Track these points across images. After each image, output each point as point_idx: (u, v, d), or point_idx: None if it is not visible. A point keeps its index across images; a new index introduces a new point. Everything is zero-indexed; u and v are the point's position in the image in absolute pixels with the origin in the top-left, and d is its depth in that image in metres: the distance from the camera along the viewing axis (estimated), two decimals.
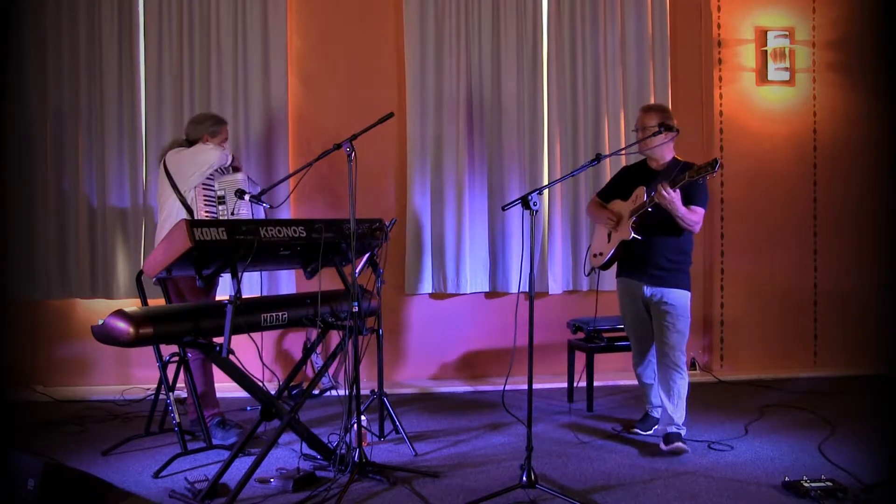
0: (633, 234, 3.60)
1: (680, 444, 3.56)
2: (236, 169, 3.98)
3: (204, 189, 3.76)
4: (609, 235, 3.83)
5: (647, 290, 3.70)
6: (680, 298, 3.65)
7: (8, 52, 4.81)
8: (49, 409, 4.51)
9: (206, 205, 3.74)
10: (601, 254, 3.86)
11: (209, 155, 3.77)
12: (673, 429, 3.63)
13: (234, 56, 4.95)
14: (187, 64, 4.93)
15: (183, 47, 4.92)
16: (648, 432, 3.91)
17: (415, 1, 5.08)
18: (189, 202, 3.72)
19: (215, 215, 3.76)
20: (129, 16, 4.89)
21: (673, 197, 3.39)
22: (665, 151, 3.73)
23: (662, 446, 3.62)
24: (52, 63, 4.85)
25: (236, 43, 4.96)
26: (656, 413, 3.96)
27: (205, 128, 3.89)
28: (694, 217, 3.52)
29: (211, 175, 3.78)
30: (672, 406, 3.63)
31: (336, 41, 5.15)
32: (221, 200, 3.77)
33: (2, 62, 4.80)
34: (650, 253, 3.66)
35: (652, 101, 5.18)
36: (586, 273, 4.12)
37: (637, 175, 3.80)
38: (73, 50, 4.86)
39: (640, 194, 3.62)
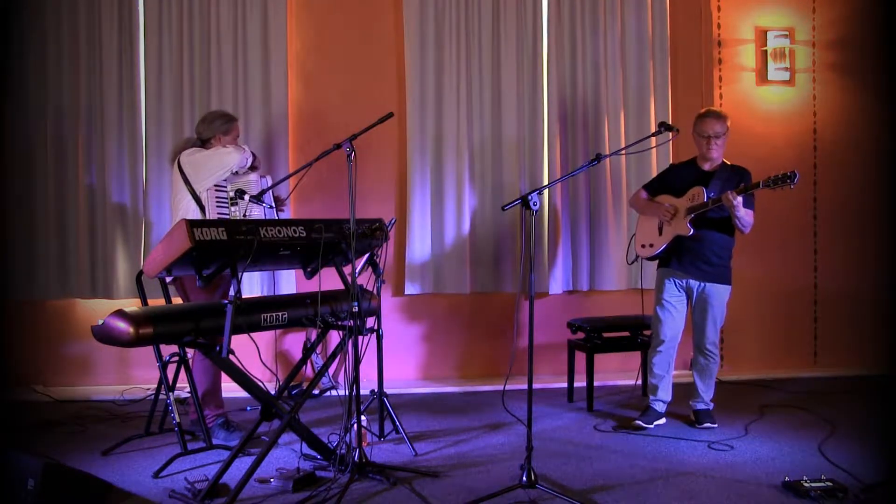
0: (692, 230, 3.81)
1: (710, 423, 3.96)
2: (254, 169, 3.94)
3: (217, 190, 3.74)
4: (660, 228, 3.97)
5: (695, 284, 3.94)
6: (724, 294, 3.96)
7: (8, 52, 4.81)
8: (49, 409, 4.51)
9: (217, 206, 3.72)
10: (651, 245, 4.03)
11: (229, 158, 3.75)
12: (701, 405, 4.01)
13: (234, 56, 4.95)
14: (187, 64, 4.93)
15: (183, 47, 4.92)
16: (650, 426, 3.94)
17: (415, 1, 5.08)
18: (203, 202, 3.70)
19: (227, 216, 3.73)
20: (129, 15, 4.89)
21: (739, 203, 3.65)
22: (720, 154, 3.96)
23: (696, 424, 3.98)
24: (52, 63, 4.85)
25: (236, 42, 4.96)
26: (658, 406, 4.03)
27: (217, 126, 3.85)
28: (750, 219, 3.80)
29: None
30: (705, 386, 4.01)
31: (336, 41, 5.15)
32: (234, 202, 3.75)
33: (2, 62, 4.81)
34: (702, 248, 3.88)
35: (652, 101, 5.22)
36: (629, 262, 4.29)
37: (688, 174, 3.99)
38: (73, 50, 4.87)
39: (698, 194, 3.83)
